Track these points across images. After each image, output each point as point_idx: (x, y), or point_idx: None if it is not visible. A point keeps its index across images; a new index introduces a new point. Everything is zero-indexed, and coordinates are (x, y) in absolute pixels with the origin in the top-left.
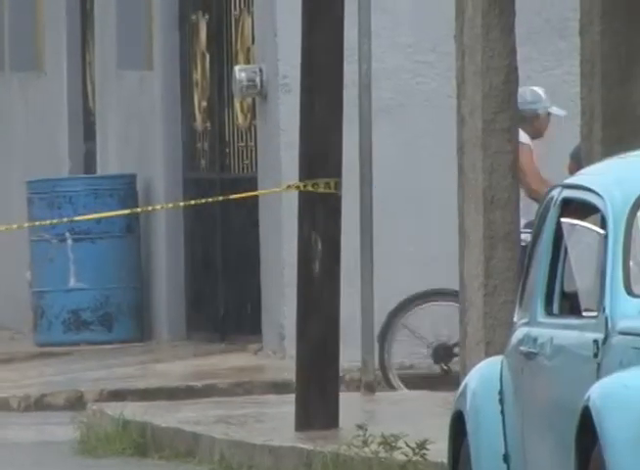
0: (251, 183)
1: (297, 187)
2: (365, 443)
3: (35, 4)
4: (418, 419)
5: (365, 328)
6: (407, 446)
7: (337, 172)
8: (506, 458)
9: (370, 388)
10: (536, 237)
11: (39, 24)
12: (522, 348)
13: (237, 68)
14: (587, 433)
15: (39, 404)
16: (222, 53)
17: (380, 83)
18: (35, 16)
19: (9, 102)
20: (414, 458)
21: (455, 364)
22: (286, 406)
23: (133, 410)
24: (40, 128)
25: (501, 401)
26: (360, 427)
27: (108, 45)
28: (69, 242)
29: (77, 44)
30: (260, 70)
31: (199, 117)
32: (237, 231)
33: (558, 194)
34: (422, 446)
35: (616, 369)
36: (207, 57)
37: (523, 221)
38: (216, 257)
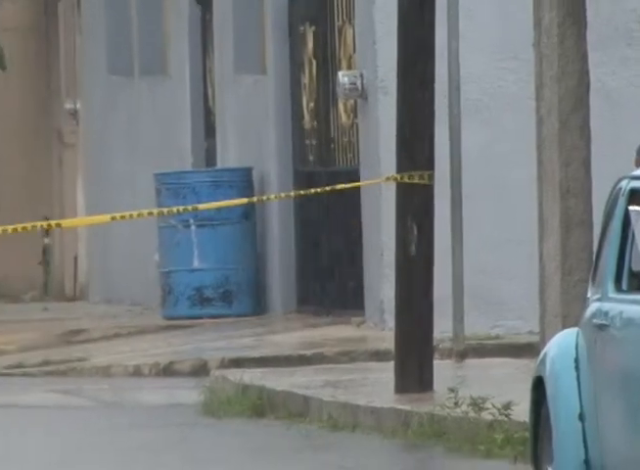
0: (354, 175)
1: (395, 178)
2: (456, 404)
3: (162, 15)
4: (503, 383)
5: (456, 303)
6: (493, 406)
7: (430, 165)
8: (581, 418)
9: (460, 355)
10: (607, 223)
11: (165, 33)
12: (594, 320)
13: (340, 73)
14: None
15: (167, 371)
16: (327, 60)
17: (467, 87)
18: (162, 25)
19: (138, 104)
20: (500, 418)
21: None
22: (386, 372)
23: (251, 376)
24: (166, 127)
25: (576, 368)
26: (452, 390)
27: (226, 52)
28: (193, 227)
29: (198, 51)
30: (361, 75)
31: (307, 116)
32: (341, 218)
33: (626, 185)
34: (507, 406)
35: None
36: (314, 63)
37: None
38: (323, 240)
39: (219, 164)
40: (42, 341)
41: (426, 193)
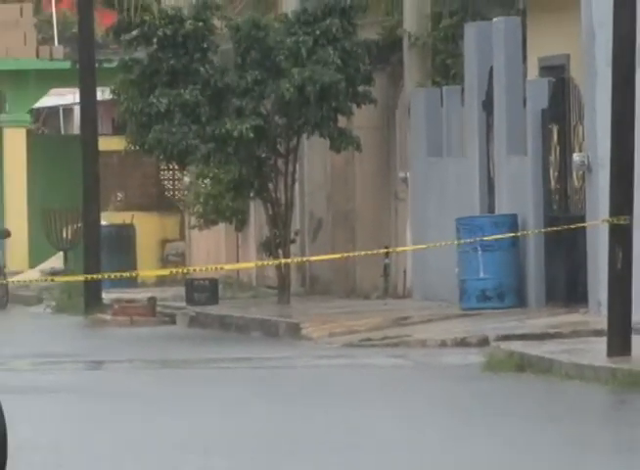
0: (582, 219)
1: (608, 221)
2: None
3: (461, 117)
4: None
5: None
6: None
7: (630, 212)
8: None
9: None
10: None
11: (463, 129)
12: None
13: (574, 154)
14: None
15: (462, 343)
16: (565, 146)
17: None
18: (461, 124)
19: (446, 174)
20: None
21: None
22: (601, 344)
23: (516, 346)
24: (462, 188)
25: None
26: None
27: (501, 141)
28: (480, 252)
29: (484, 140)
30: (587, 156)
31: (553, 181)
32: (574, 246)
33: None
34: None
35: None
36: (558, 148)
37: None
38: (562, 260)
39: (496, 212)
40: (383, 324)
41: (627, 230)
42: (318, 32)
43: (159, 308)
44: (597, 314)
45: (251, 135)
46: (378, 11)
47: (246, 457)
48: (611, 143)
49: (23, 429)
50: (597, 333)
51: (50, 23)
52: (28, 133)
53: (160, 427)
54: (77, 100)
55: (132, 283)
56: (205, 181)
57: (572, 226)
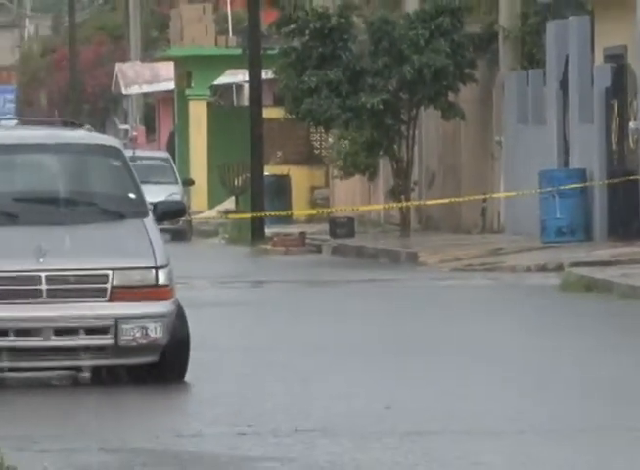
0: (636, 173)
1: None
2: None
3: (542, 93)
4: None
5: None
6: None
7: None
8: None
9: None
10: None
11: (544, 103)
12: None
13: (631, 123)
14: None
15: (542, 268)
16: (624, 116)
17: None
18: (543, 100)
19: (528, 137)
20: None
21: None
22: None
23: (584, 270)
24: (544, 149)
25: None
26: None
27: (573, 111)
28: (556, 197)
29: (561, 110)
30: None
31: (613, 143)
32: (629, 194)
33: None
34: None
35: None
36: (617, 118)
37: None
38: (621, 203)
39: (570, 167)
40: (481, 253)
41: None
42: (433, 27)
43: (308, 240)
44: None
45: (381, 107)
46: (480, 10)
47: (369, 357)
48: None
49: (201, 334)
50: None
51: (226, 18)
52: (208, 105)
53: (304, 332)
54: (246, 79)
55: (288, 220)
56: (345, 142)
57: (629, 178)
